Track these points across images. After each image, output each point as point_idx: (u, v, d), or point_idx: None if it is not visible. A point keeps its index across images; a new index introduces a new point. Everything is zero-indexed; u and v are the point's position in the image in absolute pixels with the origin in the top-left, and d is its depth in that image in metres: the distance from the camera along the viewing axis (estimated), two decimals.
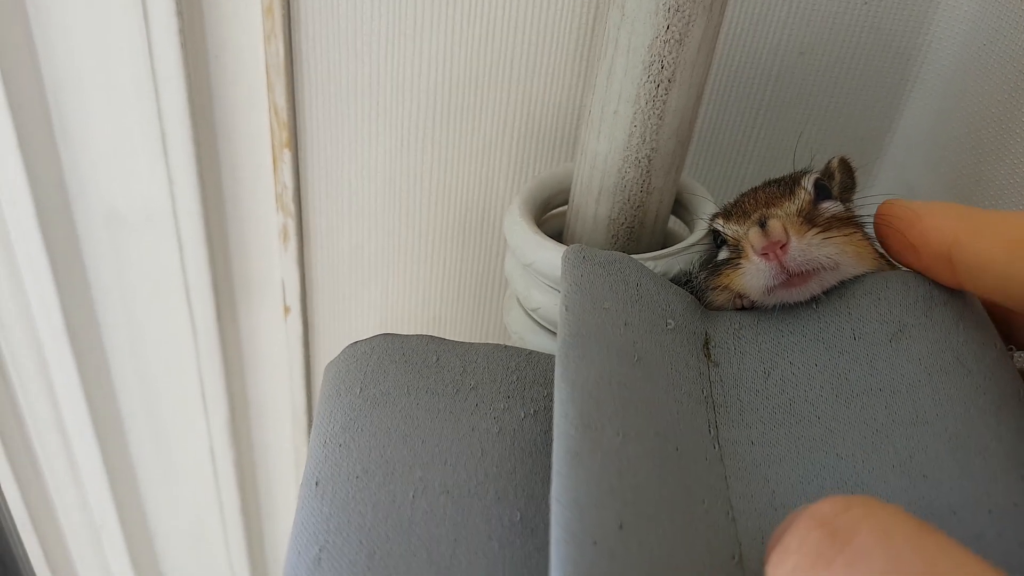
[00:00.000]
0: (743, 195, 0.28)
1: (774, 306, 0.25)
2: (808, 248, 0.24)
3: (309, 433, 0.52)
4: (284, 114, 0.39)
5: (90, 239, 0.46)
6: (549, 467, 0.21)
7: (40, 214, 0.43)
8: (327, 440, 0.27)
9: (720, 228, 0.28)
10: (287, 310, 0.47)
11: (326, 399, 0.29)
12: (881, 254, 0.26)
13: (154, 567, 0.63)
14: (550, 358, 0.28)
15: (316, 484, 0.26)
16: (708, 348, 0.26)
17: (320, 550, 0.24)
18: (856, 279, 0.24)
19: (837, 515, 0.15)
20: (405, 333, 0.29)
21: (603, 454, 0.20)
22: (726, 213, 0.28)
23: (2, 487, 0.60)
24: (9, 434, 0.57)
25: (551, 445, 0.22)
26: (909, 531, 0.14)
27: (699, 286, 0.28)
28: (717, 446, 0.23)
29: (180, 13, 0.37)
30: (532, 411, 0.28)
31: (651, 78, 0.28)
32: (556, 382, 0.22)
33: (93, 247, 0.47)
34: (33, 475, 0.60)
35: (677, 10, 0.27)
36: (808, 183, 0.27)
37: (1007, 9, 0.33)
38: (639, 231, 0.32)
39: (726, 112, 0.39)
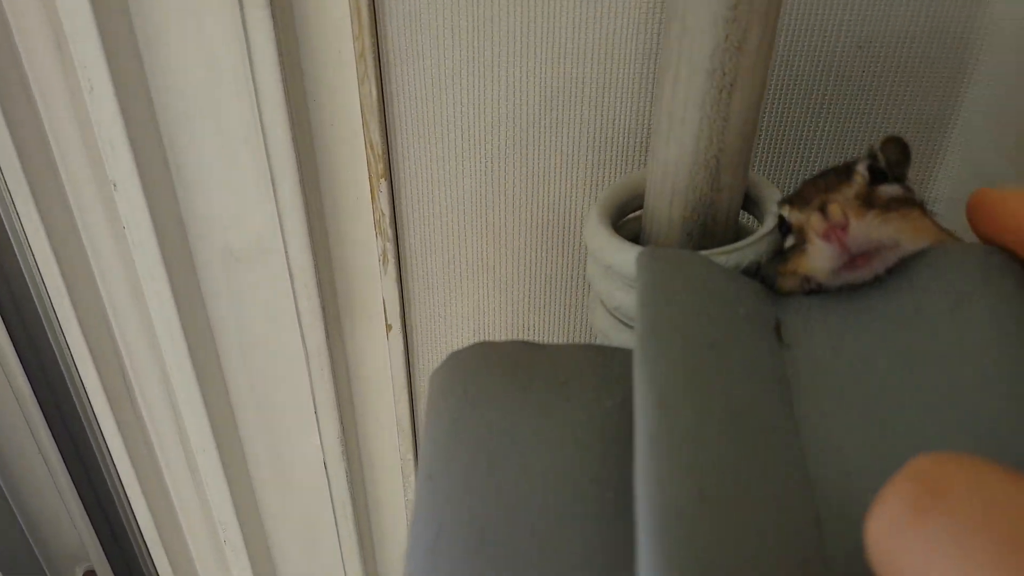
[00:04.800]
0: (804, 183, 0.30)
1: (840, 287, 0.27)
2: (868, 229, 0.25)
3: (413, 441, 0.56)
4: (379, 148, 0.43)
5: (208, 274, 0.51)
6: None
7: (163, 252, 0.48)
8: (436, 438, 0.30)
9: (784, 215, 0.30)
10: (389, 327, 0.51)
11: (433, 402, 0.32)
12: (942, 228, 0.27)
13: (272, 572, 0.67)
14: (631, 352, 0.31)
15: (429, 477, 0.29)
16: (780, 331, 0.27)
17: (436, 534, 0.27)
18: (917, 254, 0.25)
19: (932, 469, 0.15)
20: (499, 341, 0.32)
21: (680, 433, 0.22)
22: (789, 201, 0.30)
23: (132, 503, 0.66)
24: (137, 453, 0.62)
25: None
26: (1004, 481, 0.15)
27: (769, 273, 0.30)
28: (792, 421, 0.25)
29: (282, 64, 0.41)
30: (619, 400, 0.30)
31: (714, 84, 0.30)
32: (635, 373, 0.24)
33: (211, 281, 0.52)
34: (160, 491, 0.65)
35: (734, 20, 0.29)
36: (862, 168, 0.28)
37: None
38: (712, 227, 0.34)
39: (790, 110, 0.41)
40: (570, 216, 0.45)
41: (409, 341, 0.52)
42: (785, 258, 0.29)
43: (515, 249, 0.47)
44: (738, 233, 0.36)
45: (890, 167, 0.30)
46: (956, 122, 0.41)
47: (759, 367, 0.26)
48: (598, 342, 0.36)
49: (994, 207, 0.24)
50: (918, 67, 0.39)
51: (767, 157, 0.43)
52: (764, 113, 0.41)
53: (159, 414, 0.59)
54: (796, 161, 0.43)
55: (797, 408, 0.25)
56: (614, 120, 0.42)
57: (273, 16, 0.40)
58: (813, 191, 0.29)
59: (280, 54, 0.41)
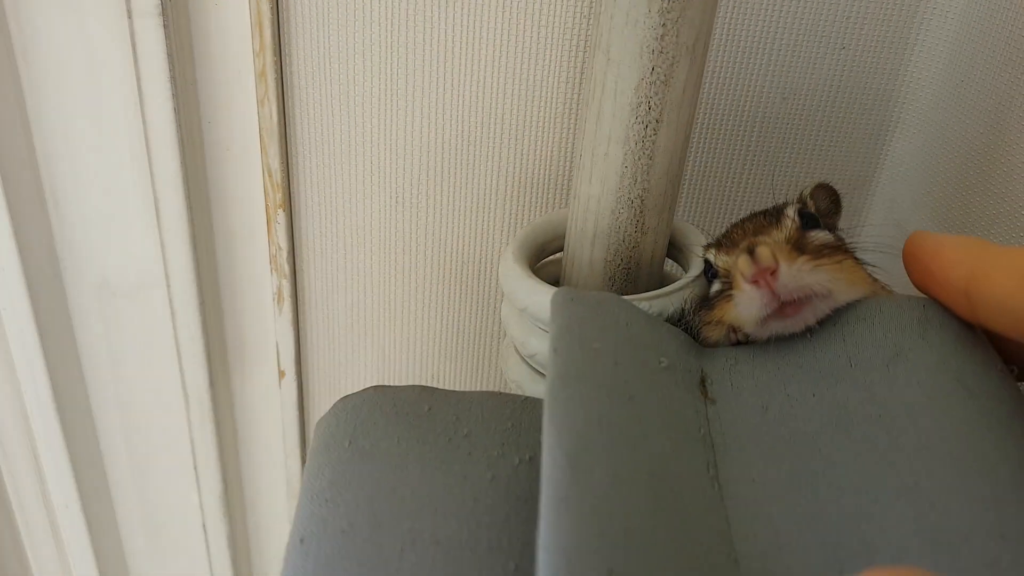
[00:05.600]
0: (731, 227, 0.28)
1: (769, 339, 0.25)
2: (799, 274, 0.23)
3: None
4: (278, 176, 0.40)
5: (80, 308, 0.47)
6: None
7: (29, 284, 0.44)
8: (314, 496, 0.27)
9: (711, 259, 0.28)
10: (282, 374, 0.47)
11: (315, 454, 0.28)
12: (875, 279, 0.26)
13: None
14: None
15: (301, 541, 0.25)
16: (704, 385, 0.25)
17: None
18: (850, 305, 0.24)
19: None
20: None
21: (592, 497, 0.20)
22: (716, 244, 0.28)
23: None
24: None
25: None
26: None
27: (694, 323, 0.28)
28: (717, 486, 0.22)
29: (174, 79, 0.38)
30: (527, 457, 0.27)
31: (639, 119, 0.29)
32: (544, 425, 0.22)
33: (83, 316, 0.47)
34: (14, 552, 0.59)
35: (661, 52, 0.27)
36: (792, 212, 0.27)
37: (981, 46, 0.34)
38: (636, 272, 0.33)
39: (714, 158, 0.40)
40: (486, 259, 0.43)
41: (304, 390, 0.49)
42: (711, 306, 0.27)
43: (426, 291, 0.44)
44: (663, 282, 0.35)
45: (820, 215, 0.29)
46: (880, 173, 0.41)
47: (681, 424, 0.24)
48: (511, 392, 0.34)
49: (928, 259, 0.23)
50: (842, 119, 0.39)
51: (691, 206, 0.42)
52: (688, 160, 0.40)
53: (17, 464, 0.53)
54: (720, 211, 0.42)
55: (722, 471, 0.23)
56: (535, 155, 0.40)
57: (165, 26, 0.37)
58: (741, 234, 0.27)
59: (172, 68, 0.38)
